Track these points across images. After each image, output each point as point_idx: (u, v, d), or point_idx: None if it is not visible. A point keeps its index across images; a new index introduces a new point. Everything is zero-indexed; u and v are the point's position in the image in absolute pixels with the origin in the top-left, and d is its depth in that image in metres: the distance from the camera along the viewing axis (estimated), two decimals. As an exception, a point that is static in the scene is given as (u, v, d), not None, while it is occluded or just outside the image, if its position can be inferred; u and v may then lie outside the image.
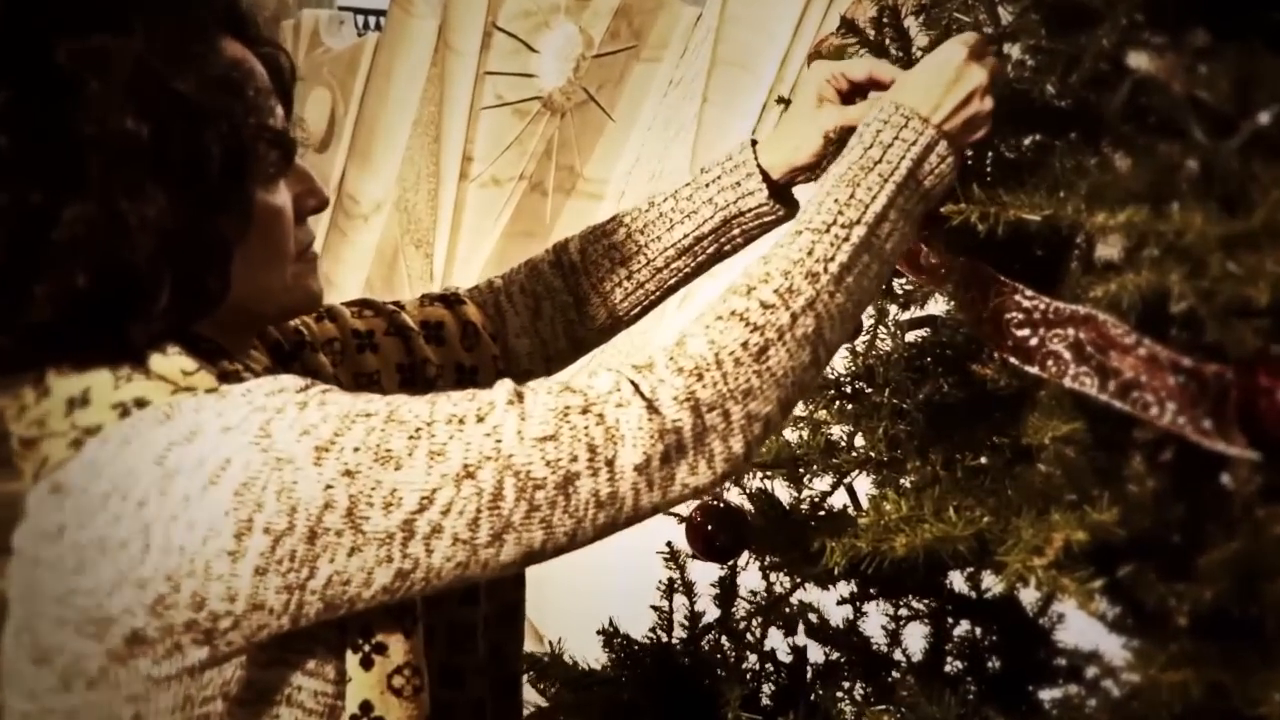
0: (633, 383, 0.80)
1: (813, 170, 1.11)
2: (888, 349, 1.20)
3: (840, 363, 1.21)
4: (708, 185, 1.14)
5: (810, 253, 0.86)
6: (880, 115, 0.92)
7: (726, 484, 1.05)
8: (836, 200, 0.88)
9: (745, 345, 0.82)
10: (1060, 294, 0.92)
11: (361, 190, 4.48)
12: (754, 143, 1.13)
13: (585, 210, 3.70)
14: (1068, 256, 0.92)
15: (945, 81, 0.92)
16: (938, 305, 1.18)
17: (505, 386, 0.81)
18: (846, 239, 0.86)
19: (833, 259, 0.86)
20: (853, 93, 1.09)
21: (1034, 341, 0.92)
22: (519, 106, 3.92)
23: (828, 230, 0.87)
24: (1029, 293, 0.93)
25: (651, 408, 0.79)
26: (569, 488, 0.78)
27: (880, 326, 1.21)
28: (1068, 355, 0.90)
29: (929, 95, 0.92)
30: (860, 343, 1.22)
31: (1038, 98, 0.96)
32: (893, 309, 1.21)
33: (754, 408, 0.82)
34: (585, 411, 0.79)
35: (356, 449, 0.75)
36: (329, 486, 0.74)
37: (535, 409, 0.79)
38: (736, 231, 1.14)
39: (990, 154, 0.99)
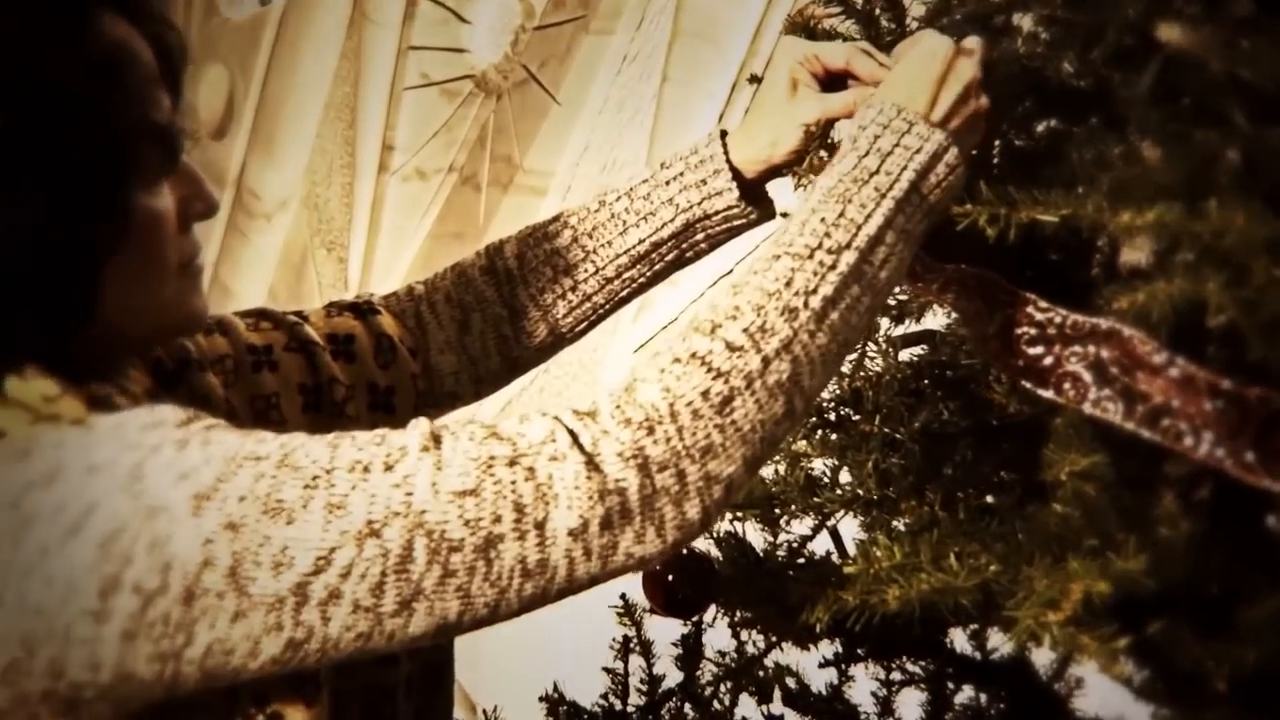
0: (571, 432, 0.79)
1: (791, 168, 1.11)
2: (878, 370, 1.20)
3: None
4: (669, 183, 1.13)
5: (788, 283, 0.84)
6: (878, 118, 0.92)
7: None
8: (823, 219, 0.87)
9: (706, 395, 0.81)
10: (1079, 305, 0.92)
11: (264, 184, 4.46)
12: (724, 134, 1.13)
13: (525, 208, 3.70)
14: (1088, 262, 0.93)
15: (935, 76, 0.92)
16: (936, 319, 1.19)
17: (420, 430, 0.80)
18: (833, 267, 0.85)
19: (815, 291, 0.84)
20: (833, 79, 1.09)
21: (1048, 361, 0.93)
22: (448, 87, 3.92)
23: (811, 256, 0.85)
24: (1043, 304, 0.93)
25: (592, 464, 0.78)
26: (491, 552, 0.76)
27: (870, 344, 1.22)
28: (1088, 377, 0.90)
29: (922, 93, 0.92)
30: (847, 363, 1.23)
31: (1053, 77, 0.97)
32: (884, 323, 1.22)
33: (714, 468, 0.81)
34: (513, 464, 0.78)
35: (242, 498, 0.74)
36: (209, 541, 0.73)
37: (454, 458, 0.78)
38: (700, 236, 1.14)
39: (999, 144, 0.99)
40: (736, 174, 1.11)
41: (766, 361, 0.82)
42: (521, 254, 1.17)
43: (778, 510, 1.21)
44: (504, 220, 3.79)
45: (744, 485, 0.84)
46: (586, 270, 1.15)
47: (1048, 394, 0.93)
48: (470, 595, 0.77)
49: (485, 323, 1.17)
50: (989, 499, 1.08)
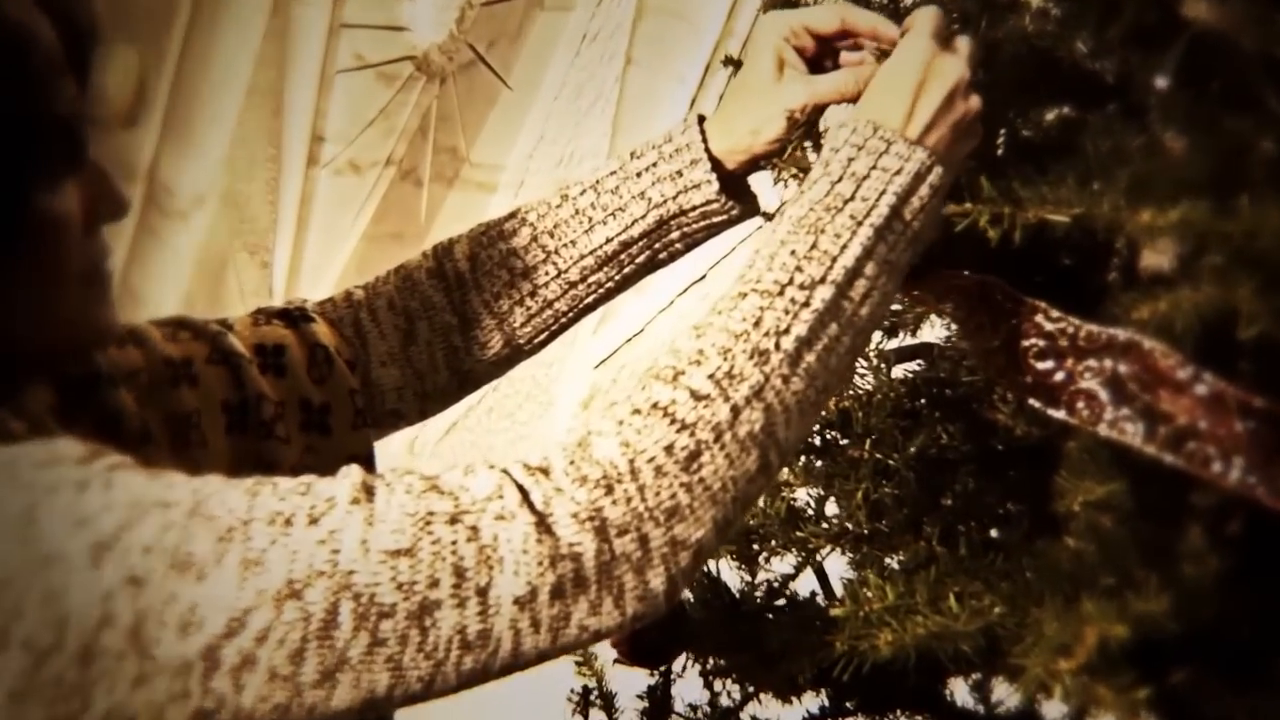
0: (520, 489, 0.79)
1: (772, 159, 1.11)
2: (868, 388, 1.20)
3: None
4: (640, 175, 1.14)
5: (758, 323, 0.85)
6: (851, 138, 0.92)
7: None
8: (793, 252, 0.87)
9: (670, 449, 0.80)
10: (1094, 315, 0.92)
11: (179, 179, 4.42)
12: (701, 120, 1.13)
13: (472, 205, 3.69)
14: (1104, 267, 0.93)
15: (912, 83, 0.93)
16: (934, 330, 1.20)
17: (350, 479, 0.79)
18: (806, 304, 0.86)
19: (788, 332, 0.85)
20: (823, 54, 1.09)
21: (1060, 377, 0.93)
22: (385, 70, 3.90)
23: (781, 292, 0.86)
24: (1054, 313, 0.93)
25: (543, 525, 0.78)
26: (426, 620, 0.76)
27: (859, 359, 1.20)
28: (1104, 395, 0.90)
29: (898, 106, 0.93)
30: None
31: (1065, 59, 0.97)
32: (876, 336, 1.21)
33: (680, 531, 0.80)
34: (454, 521, 0.77)
35: (148, 549, 0.73)
36: (109, 595, 0.72)
37: (388, 512, 0.77)
38: (675, 234, 1.15)
39: (1003, 135, 0.99)
40: (716, 165, 1.12)
41: (736, 411, 0.82)
42: (474, 255, 1.17)
43: (756, 546, 1.21)
44: (448, 219, 3.78)
45: (713, 551, 0.84)
46: (547, 273, 1.15)
47: (1059, 414, 0.93)
48: (402, 667, 0.76)
49: (433, 332, 1.17)
50: (993, 533, 1.08)
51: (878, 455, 1.15)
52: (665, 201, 1.12)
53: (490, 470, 0.80)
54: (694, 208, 1.12)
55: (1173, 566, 0.88)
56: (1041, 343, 0.93)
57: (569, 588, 0.78)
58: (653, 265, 1.18)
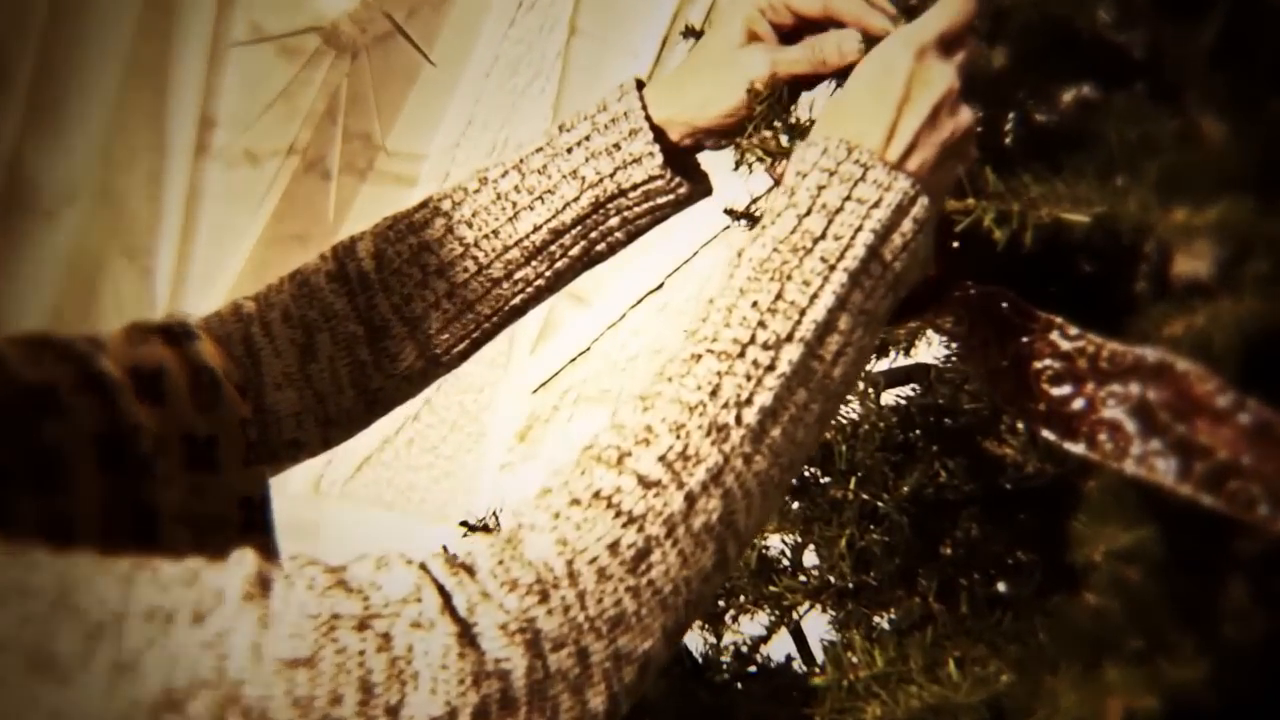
0: (442, 591, 0.78)
1: (724, 138, 1.12)
2: (854, 417, 1.21)
3: None
4: (571, 151, 1.15)
5: (715, 392, 0.84)
6: (822, 160, 0.91)
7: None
8: (755, 304, 0.86)
9: (615, 548, 0.79)
10: (1119, 331, 0.92)
11: (45, 172, 4.41)
12: (639, 85, 1.14)
13: (389, 200, 3.68)
14: (1130, 275, 0.93)
15: (894, 98, 0.92)
16: (930, 350, 1.20)
17: (244, 569, 0.78)
18: (771, 367, 0.85)
19: (750, 402, 0.84)
20: (800, 29, 1.10)
21: (1078, 404, 0.92)
22: (287, 43, 3.91)
23: (742, 354, 0.85)
24: (1072, 330, 0.93)
25: (466, 636, 0.77)
26: None
27: None
28: (1130, 425, 0.90)
29: (876, 124, 0.92)
30: None
31: (1084, 29, 0.97)
32: None
33: (626, 643, 0.80)
34: (363, 627, 0.76)
35: (3, 646, 0.73)
36: None
37: (286, 612, 0.76)
38: (614, 220, 1.16)
39: (1012, 119, 0.99)
40: (659, 136, 1.13)
41: (691, 499, 0.81)
42: (379, 252, 1.18)
43: (722, 603, 1.21)
44: (361, 217, 3.77)
45: (663, 662, 0.83)
46: (466, 269, 1.16)
47: (1077, 448, 0.92)
48: None
49: (335, 346, 1.17)
50: (1000, 587, 1.09)
51: (864, 496, 1.16)
52: (601, 180, 1.14)
53: (408, 566, 0.79)
54: (635, 186, 1.14)
55: (1211, 627, 0.88)
56: (1056, 364, 0.93)
57: (494, 710, 0.77)
58: (590, 258, 1.19)
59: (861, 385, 1.20)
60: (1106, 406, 0.91)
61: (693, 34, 1.19)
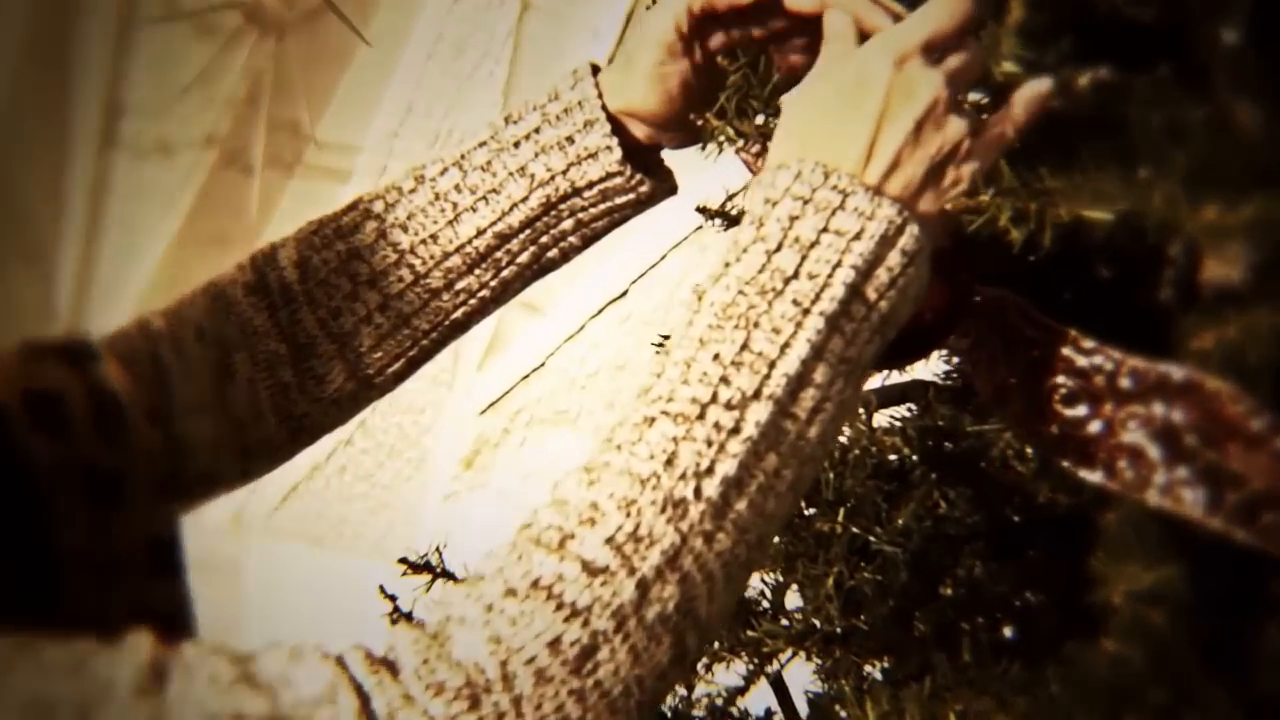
0: (360, 692, 0.77)
1: (714, 117, 1.09)
2: (844, 441, 1.21)
3: None
4: (519, 145, 1.15)
5: (671, 461, 0.82)
6: (794, 186, 0.89)
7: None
8: (717, 355, 0.85)
9: (556, 646, 0.78)
10: (1142, 344, 0.91)
11: (-71, 163, 4.41)
12: (595, 70, 1.15)
13: (319, 198, 3.70)
14: (1155, 281, 0.93)
15: (871, 112, 0.90)
16: (929, 365, 1.17)
17: (138, 655, 0.77)
18: (736, 430, 0.83)
19: (711, 471, 0.82)
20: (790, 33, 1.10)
21: (1096, 427, 0.92)
22: (204, 20, 3.92)
23: (702, 415, 0.83)
24: (1088, 343, 0.93)
25: None
26: None
27: None
28: (1154, 451, 0.90)
29: (853, 141, 0.90)
30: None
31: (1102, 4, 0.96)
32: None
33: None
34: None
35: None
36: None
37: (184, 709, 0.76)
38: (568, 222, 1.16)
39: None
40: (618, 128, 1.13)
41: (644, 587, 0.80)
42: (304, 261, 1.17)
43: (695, 650, 1.21)
44: (288, 216, 3.78)
45: None
46: (401, 279, 1.16)
47: (1094, 476, 0.92)
48: None
49: (255, 366, 1.17)
50: (1007, 632, 1.09)
51: (854, 529, 1.15)
52: (553, 178, 1.14)
53: (324, 661, 0.78)
54: (590, 184, 1.14)
55: (1244, 677, 0.88)
56: (1072, 382, 0.93)
57: None
58: (540, 266, 1.18)
59: (852, 405, 1.20)
60: (1127, 430, 0.90)
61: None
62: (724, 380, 0.84)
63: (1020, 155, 0.92)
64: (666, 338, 1.38)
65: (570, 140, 1.13)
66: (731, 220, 1.39)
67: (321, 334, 1.17)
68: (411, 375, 1.21)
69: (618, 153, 1.12)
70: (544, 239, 1.16)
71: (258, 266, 1.19)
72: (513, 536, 0.82)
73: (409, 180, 1.17)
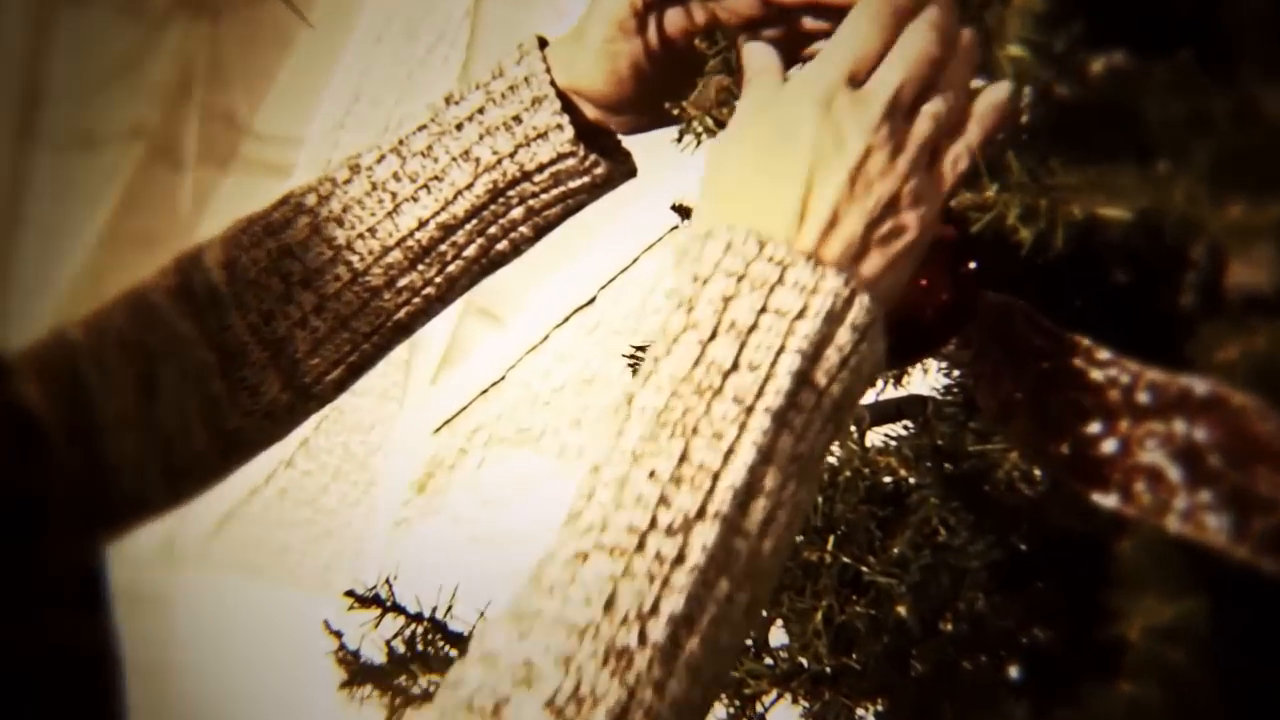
0: None
1: (688, 104, 1.10)
2: (833, 461, 1.20)
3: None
4: (461, 127, 1.16)
5: (610, 604, 0.79)
6: (725, 261, 0.85)
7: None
8: (653, 472, 0.81)
9: None
10: (1162, 355, 0.91)
11: None
12: (543, 44, 1.15)
13: (258, 194, 3.66)
14: (1175, 285, 0.92)
15: (799, 168, 0.86)
16: (927, 379, 1.20)
17: None
18: (680, 560, 0.80)
19: (656, 611, 0.79)
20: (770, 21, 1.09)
21: (1111, 446, 0.92)
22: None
23: (640, 546, 0.79)
24: (1103, 354, 0.92)
25: None
26: None
27: None
28: (1174, 472, 0.89)
29: (780, 201, 0.86)
30: None
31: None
32: None
33: None
34: None
35: None
36: None
37: None
38: (518, 211, 1.17)
39: (1032, 93, 0.99)
40: (569, 106, 1.14)
41: None
42: (231, 261, 1.18)
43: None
44: (224, 214, 3.75)
45: None
46: (338, 278, 1.17)
47: (1109, 501, 0.92)
48: None
49: (182, 378, 1.18)
50: (1013, 671, 1.08)
51: (845, 559, 1.15)
52: (500, 161, 1.14)
53: None
54: (541, 167, 1.14)
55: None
56: (1085, 396, 0.92)
57: None
58: (490, 259, 1.19)
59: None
60: (1145, 449, 0.90)
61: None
62: (663, 501, 0.80)
63: (1030, 148, 0.92)
64: (640, 349, 1.40)
65: (517, 120, 1.14)
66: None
67: (253, 340, 1.17)
68: (352, 384, 1.22)
69: (569, 131, 1.13)
70: (492, 229, 1.17)
71: (182, 270, 1.19)
72: (438, 698, 0.79)
73: (343, 170, 1.18)
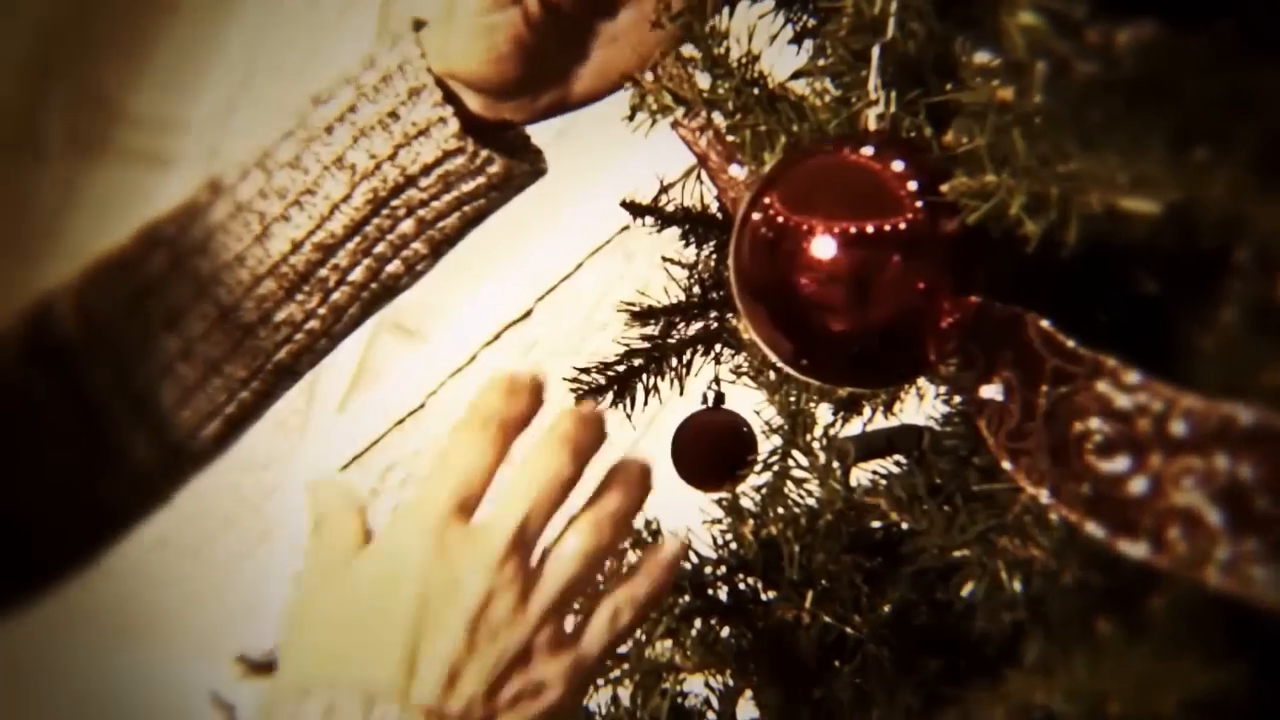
0: None
1: (533, 101, 1.14)
2: (812, 503, 1.21)
3: (700, 536, 1.21)
4: (331, 130, 1.16)
5: None
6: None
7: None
8: None
9: None
10: (1199, 379, 0.91)
11: None
12: (418, 27, 1.16)
13: (133, 189, 3.70)
14: (1214, 294, 0.92)
15: (400, 616, 0.88)
16: (922, 407, 1.21)
17: None
18: None
19: None
20: None
21: (1140, 485, 0.91)
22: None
23: None
24: (1130, 376, 0.92)
25: None
26: None
27: (791, 456, 1.24)
28: (1214, 516, 0.89)
29: (382, 653, 0.88)
30: (749, 492, 1.24)
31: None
32: (822, 413, 1.23)
33: None
34: None
35: None
36: None
37: None
38: (408, 224, 1.17)
39: (1046, 67, 0.99)
40: (452, 95, 1.14)
41: None
42: (84, 308, 1.19)
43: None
44: (95, 213, 3.77)
45: None
46: (205, 316, 1.17)
47: (1137, 550, 0.91)
48: None
49: (37, 445, 1.19)
50: None
51: (826, 619, 1.16)
52: (378, 166, 1.15)
53: None
54: (426, 169, 1.15)
55: None
56: (1109, 426, 0.92)
57: None
58: (383, 285, 1.19)
59: (824, 457, 1.20)
60: (1180, 489, 0.90)
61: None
62: None
63: (1040, 126, 0.91)
64: (584, 371, 1.40)
65: (394, 116, 1.14)
66: (667, 218, 1.39)
67: (115, 396, 1.18)
68: (236, 438, 1.22)
69: (453, 124, 1.13)
70: (379, 248, 1.17)
71: (31, 321, 1.20)
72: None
73: (204, 192, 1.18)
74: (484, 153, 1.14)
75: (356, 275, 1.17)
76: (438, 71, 1.14)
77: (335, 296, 1.18)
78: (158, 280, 1.17)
